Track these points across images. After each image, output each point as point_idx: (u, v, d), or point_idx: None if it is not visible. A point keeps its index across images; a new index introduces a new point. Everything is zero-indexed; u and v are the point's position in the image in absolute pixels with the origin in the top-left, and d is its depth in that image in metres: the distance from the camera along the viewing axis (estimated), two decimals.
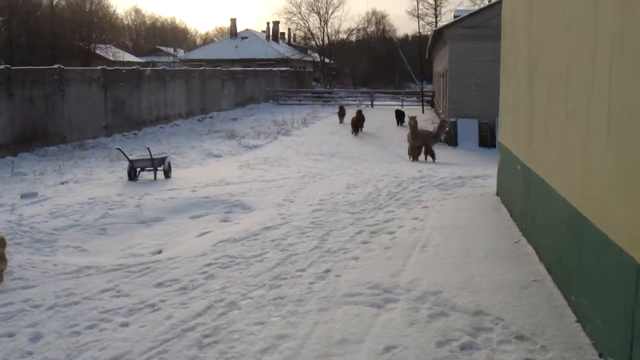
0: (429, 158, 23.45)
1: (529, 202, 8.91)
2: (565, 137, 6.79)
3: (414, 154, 23.69)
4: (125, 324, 6.57)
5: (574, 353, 5.45)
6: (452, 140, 29.69)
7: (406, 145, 24.25)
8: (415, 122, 23.68)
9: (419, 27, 77.35)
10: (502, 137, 12.26)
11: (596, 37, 5.67)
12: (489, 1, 46.37)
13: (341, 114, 39.19)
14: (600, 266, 5.39)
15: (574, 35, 6.56)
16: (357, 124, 33.55)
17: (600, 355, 5.32)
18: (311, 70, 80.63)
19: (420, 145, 23.63)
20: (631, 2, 4.69)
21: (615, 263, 4.91)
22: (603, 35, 5.46)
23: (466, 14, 34.03)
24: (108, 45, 77.93)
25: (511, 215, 10.36)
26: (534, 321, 6.12)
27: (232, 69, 51.91)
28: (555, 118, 7.33)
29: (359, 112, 34.34)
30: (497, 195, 12.26)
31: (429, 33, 55.87)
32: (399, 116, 39.00)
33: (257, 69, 58.22)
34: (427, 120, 38.08)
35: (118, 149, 18.73)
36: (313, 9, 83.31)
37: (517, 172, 9.90)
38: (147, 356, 5.77)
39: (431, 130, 25.42)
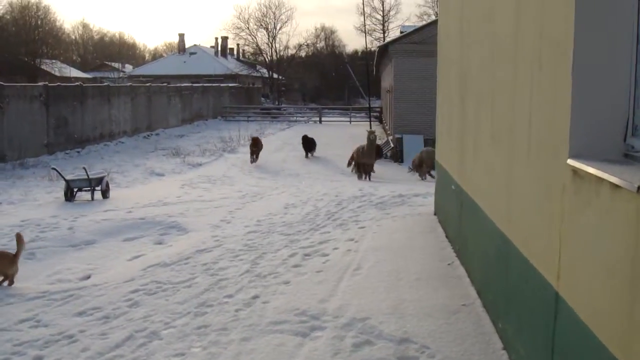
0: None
1: (462, 223, 8.82)
2: (491, 158, 6.69)
3: (365, 170, 22.96)
4: (38, 358, 6.26)
5: None
6: (397, 157, 29.71)
7: None
8: (375, 136, 23.14)
9: (366, 43, 77.64)
10: (438, 155, 12.19)
11: (516, 60, 5.59)
12: (436, 17, 46.72)
13: (254, 150, 27.45)
14: (523, 292, 5.27)
15: (497, 57, 6.48)
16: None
17: None
18: (260, 86, 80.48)
19: (373, 162, 23.15)
20: (548, 23, 4.60)
21: (535, 289, 4.79)
22: (522, 59, 5.36)
23: (411, 29, 34.20)
24: (54, 61, 76.83)
25: (446, 236, 10.26)
26: (460, 349, 5.97)
27: (179, 85, 51.52)
28: (483, 139, 7.24)
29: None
30: (435, 214, 12.17)
31: (376, 49, 56.12)
32: (308, 145, 30.64)
33: (205, 84, 57.80)
34: None
35: (53, 168, 18.33)
36: (261, 25, 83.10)
37: (451, 192, 9.81)
38: None
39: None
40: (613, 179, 3.31)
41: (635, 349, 3.04)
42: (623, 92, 3.90)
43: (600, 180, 3.50)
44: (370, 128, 43.30)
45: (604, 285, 3.46)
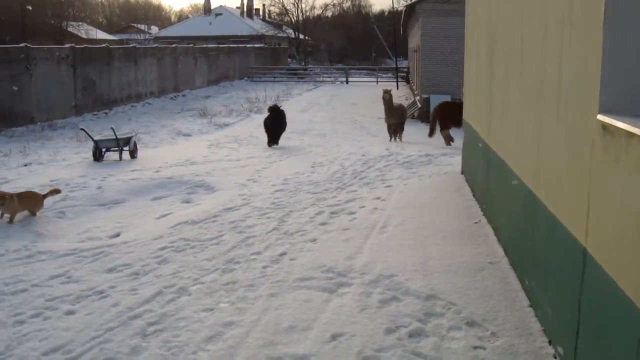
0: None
1: (488, 181, 8.80)
2: (520, 116, 6.66)
3: (390, 132, 22.18)
4: (70, 312, 6.35)
5: (524, 340, 5.33)
6: (424, 117, 29.54)
7: (380, 123, 23.20)
8: (390, 96, 22.08)
9: (392, 2, 77.11)
10: (466, 114, 12.14)
11: (546, 15, 5.53)
12: None
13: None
14: (550, 249, 5.27)
15: (527, 12, 6.42)
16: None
17: (549, 343, 5.20)
18: (286, 46, 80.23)
19: (398, 122, 22.27)
20: None
21: (563, 246, 4.79)
22: (553, 14, 5.31)
23: None
24: (80, 23, 76.61)
25: (473, 194, 10.25)
26: (487, 306, 6.00)
27: (205, 46, 51.48)
28: (512, 97, 7.19)
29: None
30: (462, 173, 12.14)
31: (403, 8, 55.65)
32: (276, 121, 19.61)
33: (231, 45, 57.66)
34: (401, 96, 37.88)
35: (82, 129, 18.42)
36: None
37: (478, 151, 9.78)
38: (89, 346, 5.56)
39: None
40: None
41: None
42: None
43: (631, 135, 3.47)
44: (397, 88, 43.01)
45: (633, 241, 3.45)
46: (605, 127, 3.89)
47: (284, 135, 19.81)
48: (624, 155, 3.61)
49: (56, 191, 10.87)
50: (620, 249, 3.66)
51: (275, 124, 19.72)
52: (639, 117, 3.72)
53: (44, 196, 10.49)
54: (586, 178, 4.25)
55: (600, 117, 3.96)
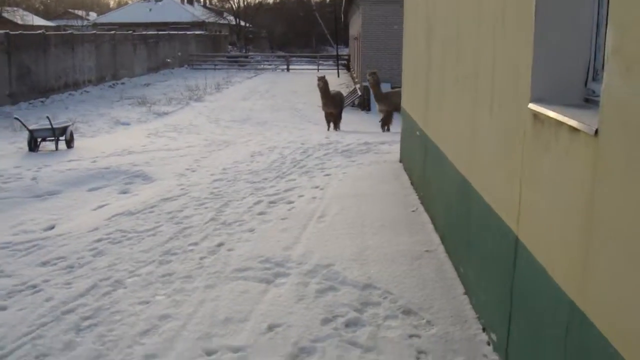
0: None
1: (426, 170, 8.85)
2: (455, 104, 6.69)
3: (328, 121, 21.16)
4: (2, 308, 6.17)
5: (459, 327, 5.37)
6: (365, 105, 29.63)
7: (320, 111, 22.59)
8: (325, 83, 20.71)
9: None
10: (404, 102, 12.18)
11: (480, 4, 5.56)
12: None
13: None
14: (484, 237, 5.31)
15: (463, 1, 6.45)
16: None
17: (483, 330, 5.25)
18: (227, 34, 79.60)
19: (335, 110, 21.23)
20: None
21: (496, 234, 4.83)
22: (487, 3, 5.34)
23: None
24: (16, 9, 74.93)
25: (411, 183, 10.31)
26: (423, 294, 6.03)
27: (144, 32, 50.78)
28: (448, 85, 7.23)
29: None
30: (400, 162, 12.20)
31: None
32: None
33: (171, 32, 56.97)
34: (342, 84, 37.92)
35: (16, 118, 18.00)
36: None
37: (416, 139, 9.83)
38: (21, 342, 5.42)
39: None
40: (572, 122, 3.31)
41: (589, 291, 3.07)
42: (585, 37, 3.89)
43: (560, 124, 3.50)
44: (338, 76, 42.88)
45: (562, 229, 3.48)
46: (536, 115, 3.92)
47: (223, 123, 19.37)
48: (554, 143, 3.64)
49: None
50: (549, 236, 3.69)
51: None
52: (568, 106, 3.76)
53: None
54: (518, 166, 4.28)
55: (531, 106, 3.99)
